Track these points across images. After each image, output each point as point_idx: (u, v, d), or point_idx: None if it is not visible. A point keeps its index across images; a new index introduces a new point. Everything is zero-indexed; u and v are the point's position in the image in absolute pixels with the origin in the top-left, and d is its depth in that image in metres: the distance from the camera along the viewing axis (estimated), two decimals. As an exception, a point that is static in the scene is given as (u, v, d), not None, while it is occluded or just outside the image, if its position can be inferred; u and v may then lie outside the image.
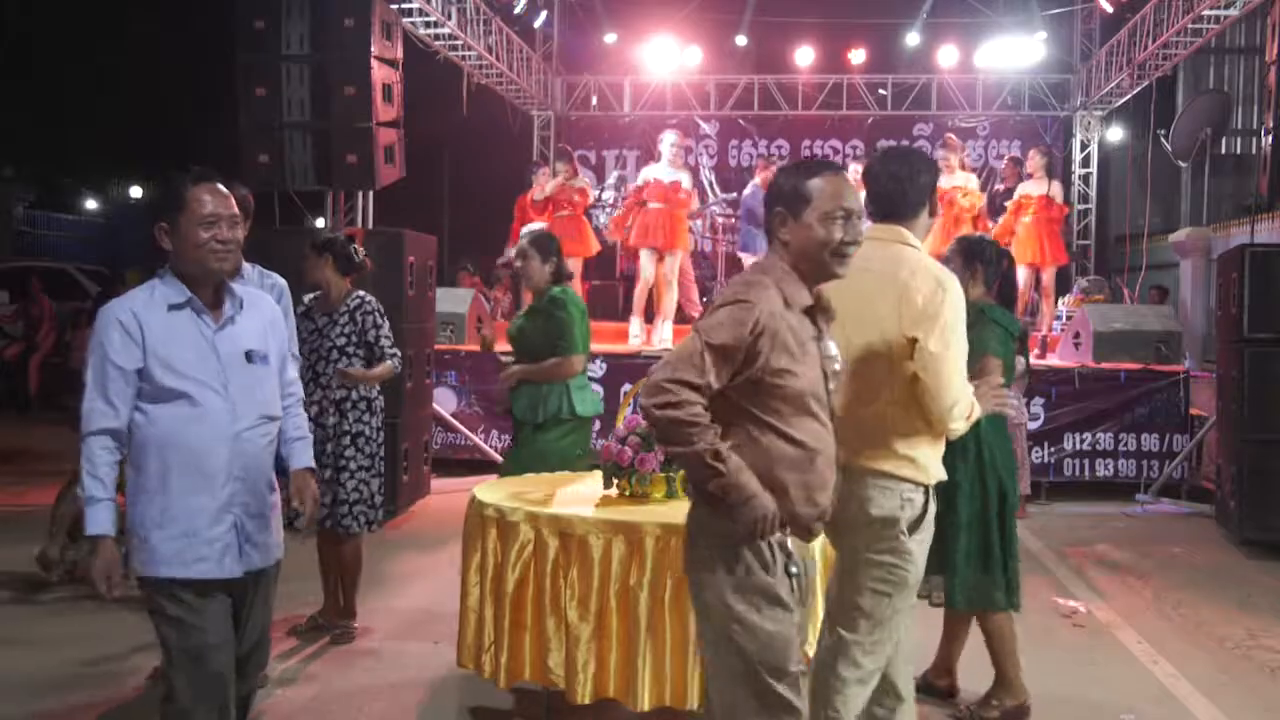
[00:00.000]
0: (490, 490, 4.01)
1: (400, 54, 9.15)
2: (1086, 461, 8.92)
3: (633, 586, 3.47)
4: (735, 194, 12.71)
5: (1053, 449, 8.90)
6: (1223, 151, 15.10)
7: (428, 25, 11.20)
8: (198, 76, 18.21)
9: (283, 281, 4.42)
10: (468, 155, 19.49)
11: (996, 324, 4.03)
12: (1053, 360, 9.83)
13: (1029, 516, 7.88)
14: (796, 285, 2.60)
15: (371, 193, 9.50)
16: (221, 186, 2.96)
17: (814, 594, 3.00)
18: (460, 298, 10.17)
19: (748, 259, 11.21)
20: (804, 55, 14.67)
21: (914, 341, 2.95)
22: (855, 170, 8.36)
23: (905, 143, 13.92)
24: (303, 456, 3.21)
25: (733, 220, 12.15)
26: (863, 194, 3.00)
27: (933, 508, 3.08)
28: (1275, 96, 8.15)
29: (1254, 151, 14.69)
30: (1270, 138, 8.17)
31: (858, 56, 14.63)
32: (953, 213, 9.75)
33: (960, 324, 3.00)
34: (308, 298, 5.10)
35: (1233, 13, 10.41)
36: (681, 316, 10.68)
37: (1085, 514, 8.29)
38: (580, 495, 3.97)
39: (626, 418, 4.06)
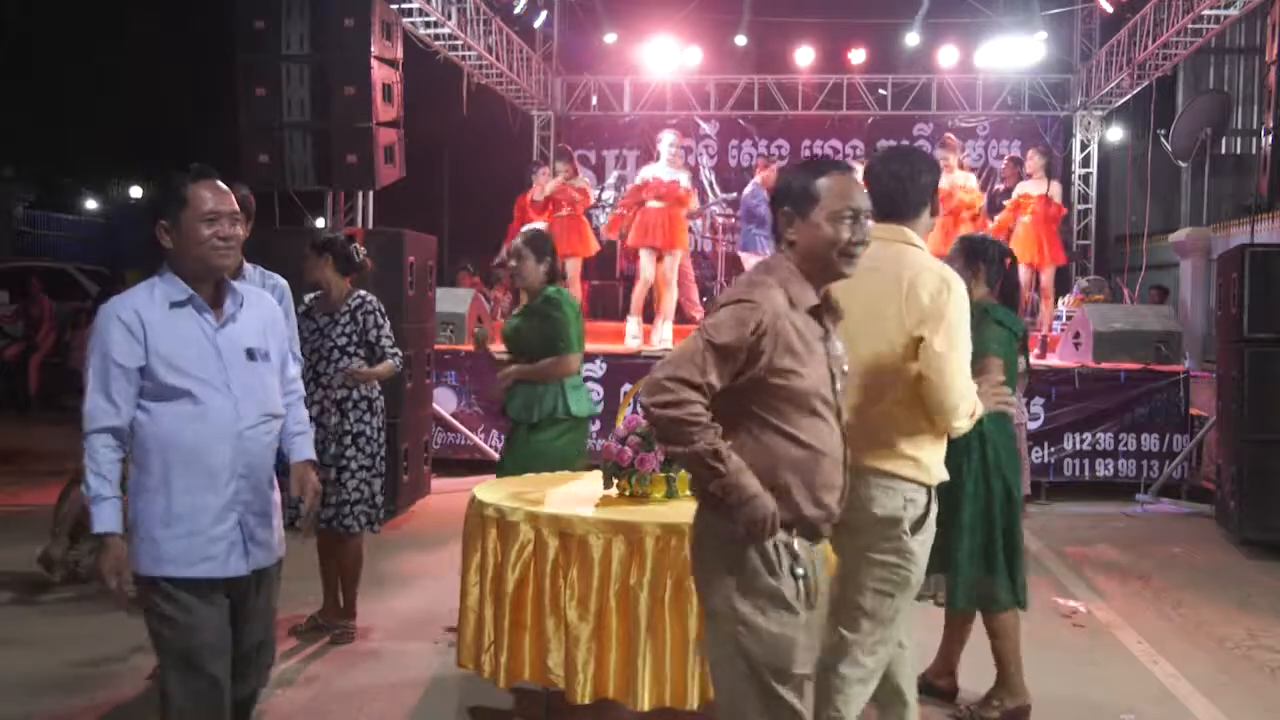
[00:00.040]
0: (490, 490, 4.01)
1: (400, 54, 9.15)
2: (1086, 461, 8.92)
3: (633, 586, 3.47)
4: (735, 194, 12.71)
5: (1053, 449, 8.90)
6: (1223, 151, 15.11)
7: (428, 25, 11.21)
8: (198, 76, 18.21)
9: (284, 282, 4.42)
10: (468, 155, 19.50)
11: (999, 324, 4.03)
12: (1053, 360, 9.82)
13: (1029, 516, 7.84)
14: (802, 285, 2.59)
15: (371, 193, 9.50)
16: (221, 183, 2.96)
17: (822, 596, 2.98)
18: (460, 298, 10.17)
19: (747, 258, 11.20)
20: (804, 55, 14.68)
21: (919, 341, 2.95)
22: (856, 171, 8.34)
23: (905, 143, 13.92)
24: (304, 449, 3.20)
25: (733, 220, 12.15)
26: (863, 194, 3.00)
27: (934, 508, 3.09)
28: (1275, 96, 8.15)
29: (1254, 151, 14.69)
30: (1270, 138, 8.17)
31: (858, 56, 14.64)
32: (951, 205, 9.76)
33: (965, 323, 3.00)
34: (308, 298, 5.10)
35: (1233, 13, 10.41)
36: (681, 316, 10.68)
37: (1085, 514, 8.29)
38: (580, 495, 3.97)
39: (626, 418, 4.05)
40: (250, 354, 2.96)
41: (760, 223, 11.18)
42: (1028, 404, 8.39)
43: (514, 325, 4.97)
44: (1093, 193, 14.78)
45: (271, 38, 8.58)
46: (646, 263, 9.78)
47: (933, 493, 3.08)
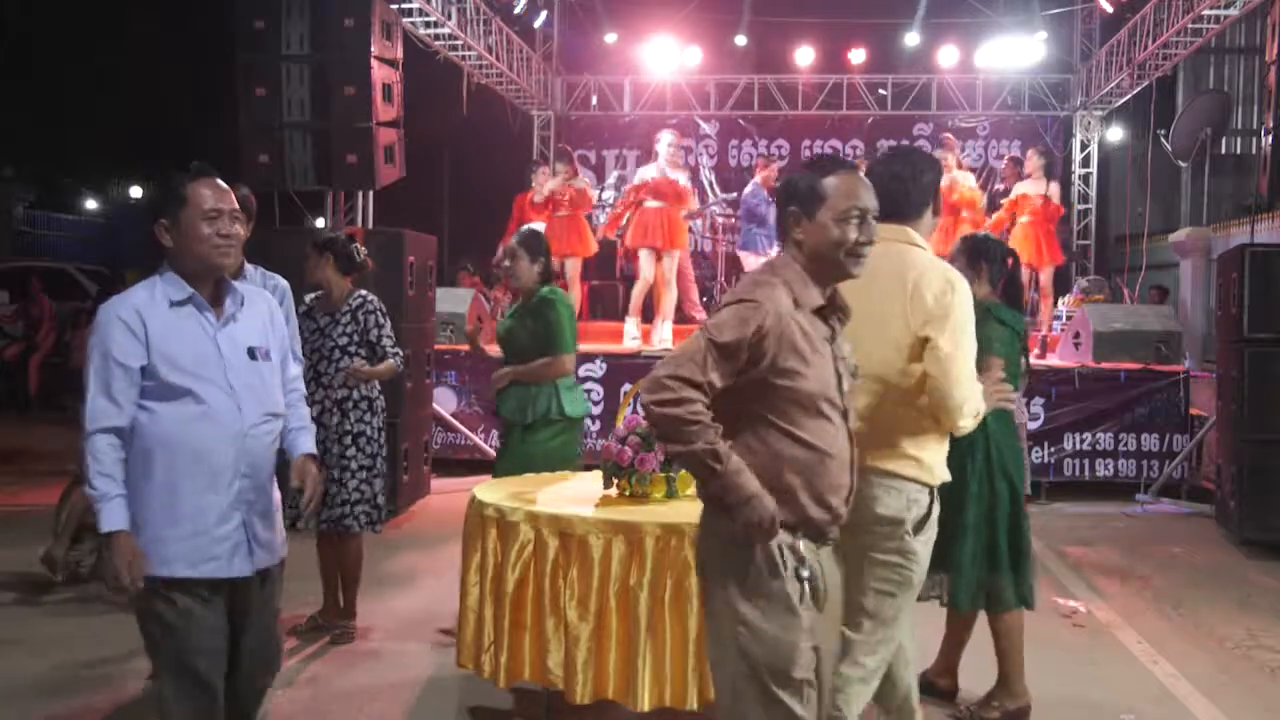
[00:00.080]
0: (490, 490, 4.01)
1: (400, 54, 9.15)
2: (1086, 461, 8.92)
3: (633, 586, 3.47)
4: (735, 194, 12.70)
5: (1053, 449, 8.90)
6: (1223, 151, 15.11)
7: (428, 25, 11.20)
8: (198, 76, 18.22)
9: (285, 283, 4.43)
10: (468, 155, 19.50)
11: (1001, 323, 4.03)
12: (1053, 360, 9.83)
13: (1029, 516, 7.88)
14: (808, 285, 2.57)
15: (371, 193, 9.50)
16: (221, 182, 2.95)
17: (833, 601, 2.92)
18: (460, 298, 10.17)
19: (747, 258, 11.20)
20: (804, 55, 14.67)
21: (925, 342, 2.95)
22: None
23: (905, 142, 13.93)
24: (306, 444, 3.16)
25: (733, 220, 12.14)
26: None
27: (936, 508, 3.09)
28: (1275, 96, 8.15)
29: (1254, 151, 14.69)
30: (1270, 138, 8.17)
31: (858, 56, 14.63)
32: (952, 199, 9.75)
33: (970, 323, 3.00)
34: (309, 297, 5.10)
35: (1233, 13, 10.41)
36: (681, 316, 10.68)
37: (1085, 514, 8.29)
38: (580, 495, 3.97)
39: (626, 418, 4.05)
40: (251, 353, 2.95)
41: (760, 222, 11.19)
42: (1028, 404, 8.39)
43: (507, 326, 4.96)
44: (1093, 193, 14.78)
45: (271, 38, 8.58)
46: (645, 263, 9.78)
47: (935, 493, 3.09)
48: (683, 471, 3.78)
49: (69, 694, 4.32)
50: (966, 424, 3.01)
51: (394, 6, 9.41)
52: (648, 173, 9.85)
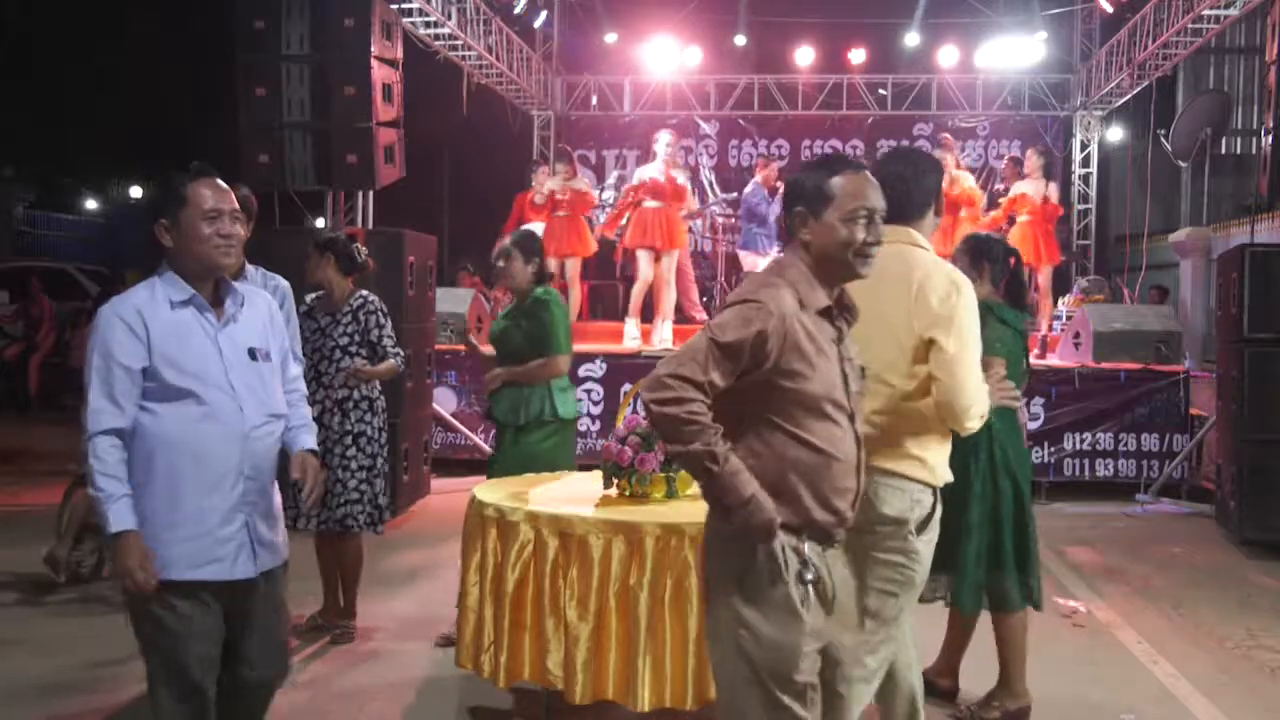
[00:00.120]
0: (490, 490, 4.01)
1: (400, 54, 9.15)
2: (1086, 461, 8.92)
3: (632, 586, 3.47)
4: (735, 194, 12.69)
5: (1053, 449, 8.90)
6: (1223, 151, 15.11)
7: (428, 25, 11.20)
8: (198, 76, 18.21)
9: (285, 284, 4.43)
10: (468, 155, 19.49)
11: (1002, 322, 4.04)
12: (1053, 360, 9.83)
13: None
14: (814, 286, 2.55)
15: (371, 193, 9.50)
16: (221, 182, 2.94)
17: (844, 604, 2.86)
18: (460, 298, 10.16)
19: (748, 257, 11.20)
20: (804, 55, 14.66)
21: (930, 344, 2.95)
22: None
23: (905, 143, 13.93)
24: (307, 441, 3.14)
25: (733, 220, 12.14)
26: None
27: (939, 509, 3.09)
28: (1275, 96, 8.15)
29: (1254, 151, 14.70)
30: (1270, 138, 8.17)
31: (858, 56, 14.62)
32: (953, 195, 9.74)
33: (975, 324, 3.01)
34: (310, 298, 5.10)
35: (1233, 13, 10.41)
36: (681, 316, 10.67)
37: (1085, 514, 8.29)
38: (580, 495, 3.97)
39: (626, 418, 4.05)
40: (252, 354, 2.94)
41: (761, 222, 11.19)
42: (1028, 404, 8.39)
43: (501, 326, 4.96)
44: (1093, 193, 14.77)
45: (271, 38, 8.58)
46: (644, 263, 9.77)
47: (938, 493, 3.09)
48: (683, 471, 3.78)
49: (71, 694, 4.32)
50: (973, 425, 3.02)
51: (394, 6, 9.41)
52: (646, 172, 9.85)
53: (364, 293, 5.06)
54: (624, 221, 10.12)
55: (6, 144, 23.09)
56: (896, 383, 3.02)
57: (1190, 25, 10.84)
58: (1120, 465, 8.91)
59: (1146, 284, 12.55)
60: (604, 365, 9.17)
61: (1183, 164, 12.64)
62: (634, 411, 4.04)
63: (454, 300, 9.90)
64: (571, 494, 4.01)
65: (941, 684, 4.34)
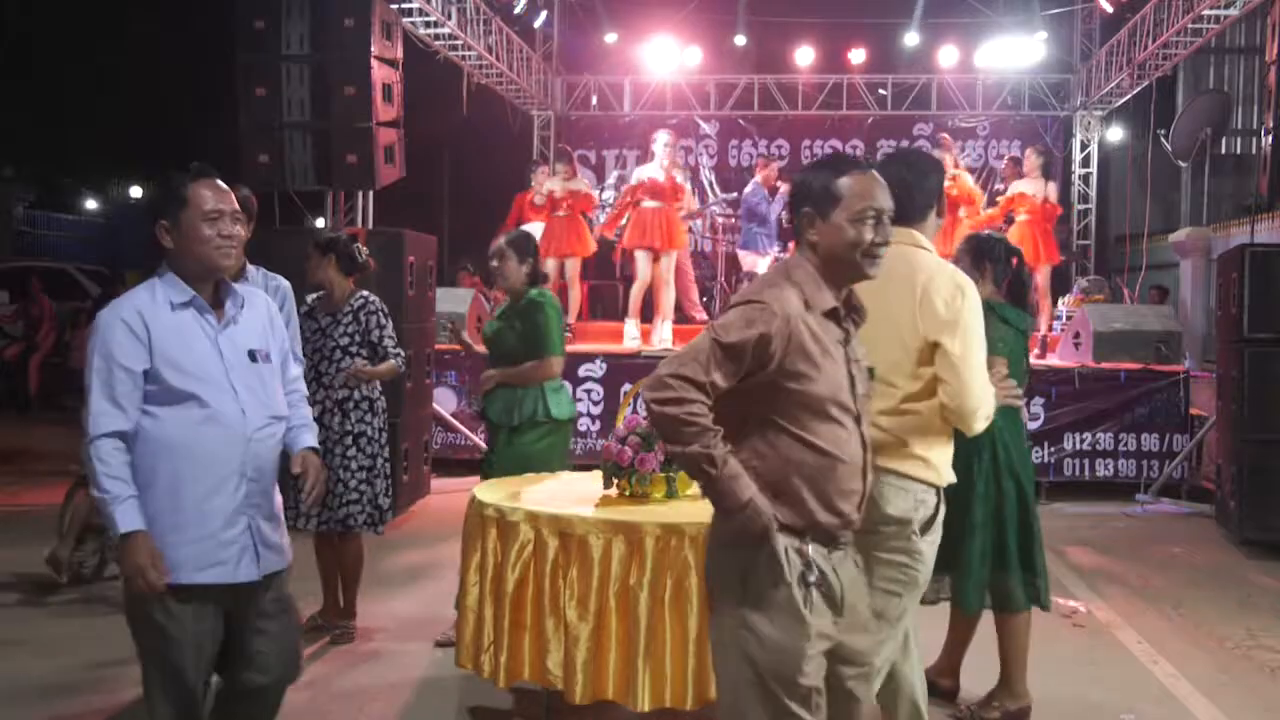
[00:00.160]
0: (490, 490, 4.01)
1: (400, 54, 9.15)
2: (1086, 461, 8.92)
3: (632, 586, 3.47)
4: (735, 194, 12.69)
5: (1053, 449, 8.90)
6: (1223, 151, 15.11)
7: (428, 25, 11.20)
8: (198, 76, 18.21)
9: (286, 284, 4.43)
10: (468, 155, 19.49)
11: (1004, 322, 4.04)
12: (1053, 360, 9.83)
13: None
14: (820, 287, 2.52)
15: (371, 193, 9.50)
16: (221, 182, 2.94)
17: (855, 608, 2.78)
18: (460, 298, 10.17)
19: (748, 257, 11.20)
20: (804, 55, 14.66)
21: (935, 346, 2.96)
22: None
23: (905, 143, 13.92)
24: (308, 440, 3.14)
25: (733, 220, 12.14)
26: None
27: (942, 509, 3.09)
28: (1275, 96, 8.15)
29: (1254, 151, 14.70)
30: (1270, 138, 8.17)
31: (858, 56, 14.61)
32: (953, 194, 9.74)
33: (980, 326, 3.01)
34: (310, 298, 5.10)
35: (1233, 13, 10.41)
36: (681, 316, 10.67)
37: (1085, 514, 8.30)
38: (580, 495, 3.97)
39: (626, 418, 4.05)
40: (252, 355, 2.93)
41: (761, 221, 11.19)
42: (1028, 404, 8.39)
43: (494, 327, 4.95)
44: (1093, 193, 14.77)
45: (271, 38, 8.58)
46: (643, 263, 9.77)
47: (941, 494, 3.09)
48: (682, 472, 3.78)
49: (73, 695, 4.32)
50: (980, 426, 3.02)
51: (394, 6, 9.41)
52: (645, 172, 9.85)
53: (364, 293, 5.06)
54: (623, 222, 10.12)
55: (6, 144, 23.09)
56: (901, 384, 3.02)
57: (1190, 25, 10.84)
58: (1120, 465, 8.91)
59: (1146, 284, 12.56)
60: (604, 365, 9.16)
61: (1183, 164, 12.64)
62: (634, 411, 4.04)
63: (454, 300, 9.90)
64: (571, 494, 4.01)
65: (943, 684, 4.34)
